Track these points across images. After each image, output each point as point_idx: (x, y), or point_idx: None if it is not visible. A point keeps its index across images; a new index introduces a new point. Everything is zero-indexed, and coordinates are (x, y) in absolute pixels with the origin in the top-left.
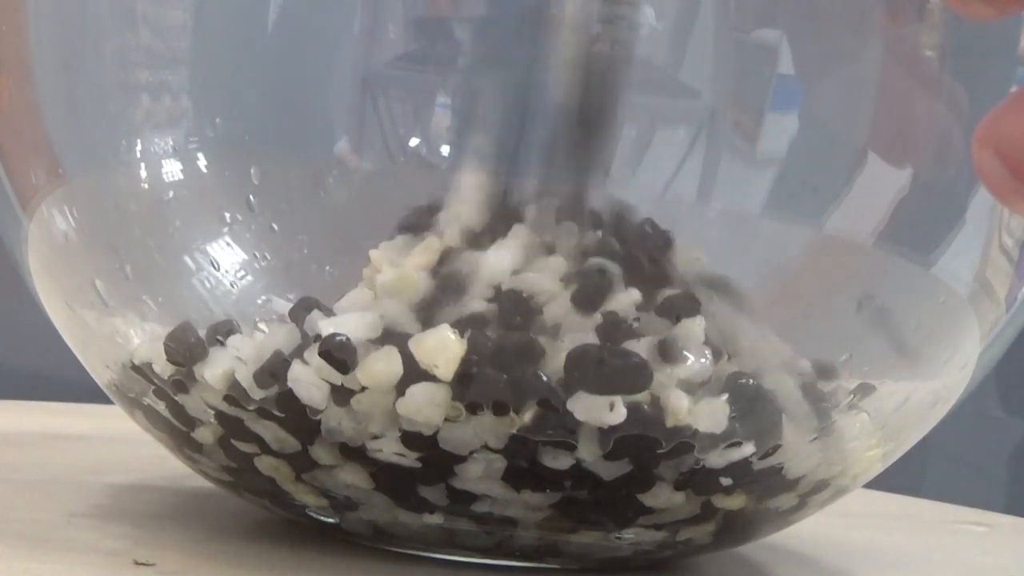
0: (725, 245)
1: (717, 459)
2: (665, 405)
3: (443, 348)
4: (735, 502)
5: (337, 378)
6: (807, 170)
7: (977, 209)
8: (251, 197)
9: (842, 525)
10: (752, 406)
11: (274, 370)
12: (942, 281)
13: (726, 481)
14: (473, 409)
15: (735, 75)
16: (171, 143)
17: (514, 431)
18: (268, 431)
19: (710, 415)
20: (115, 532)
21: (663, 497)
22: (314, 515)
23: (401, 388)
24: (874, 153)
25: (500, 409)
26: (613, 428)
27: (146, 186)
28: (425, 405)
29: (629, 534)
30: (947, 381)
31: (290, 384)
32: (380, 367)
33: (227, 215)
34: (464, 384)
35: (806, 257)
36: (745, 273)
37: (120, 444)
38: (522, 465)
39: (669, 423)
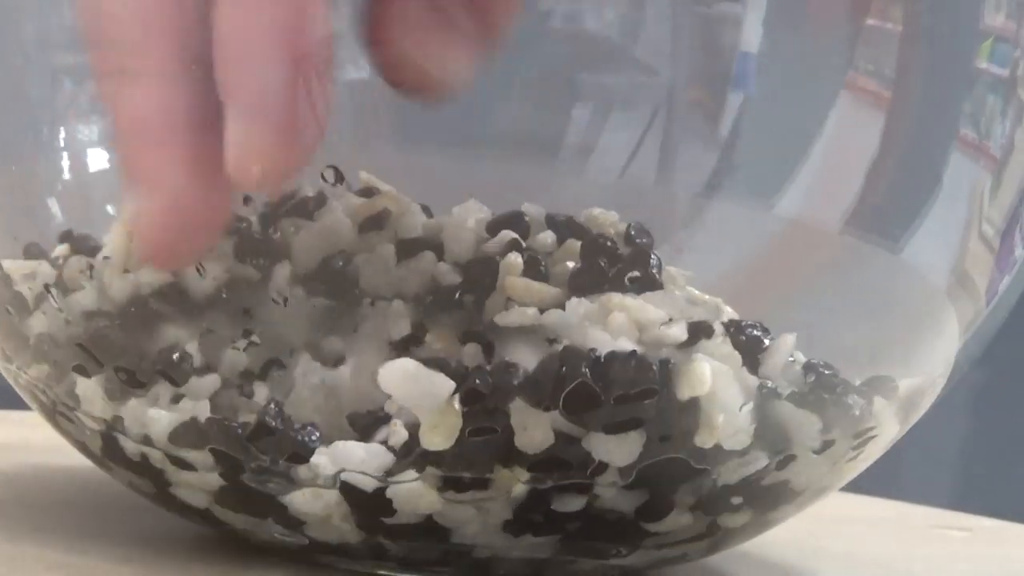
0: (684, 231)
1: (731, 475)
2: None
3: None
4: (740, 520)
5: None
6: (769, 152)
7: (955, 197)
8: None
9: (818, 532)
10: (769, 419)
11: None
12: (918, 272)
13: (736, 500)
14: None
15: (695, 52)
16: None
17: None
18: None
19: (733, 432)
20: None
21: (670, 520)
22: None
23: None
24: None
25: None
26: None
27: None
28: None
29: (630, 558)
30: (925, 378)
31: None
32: None
33: None
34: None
35: (769, 244)
36: (704, 262)
37: None
38: (530, 517)
39: (700, 442)
